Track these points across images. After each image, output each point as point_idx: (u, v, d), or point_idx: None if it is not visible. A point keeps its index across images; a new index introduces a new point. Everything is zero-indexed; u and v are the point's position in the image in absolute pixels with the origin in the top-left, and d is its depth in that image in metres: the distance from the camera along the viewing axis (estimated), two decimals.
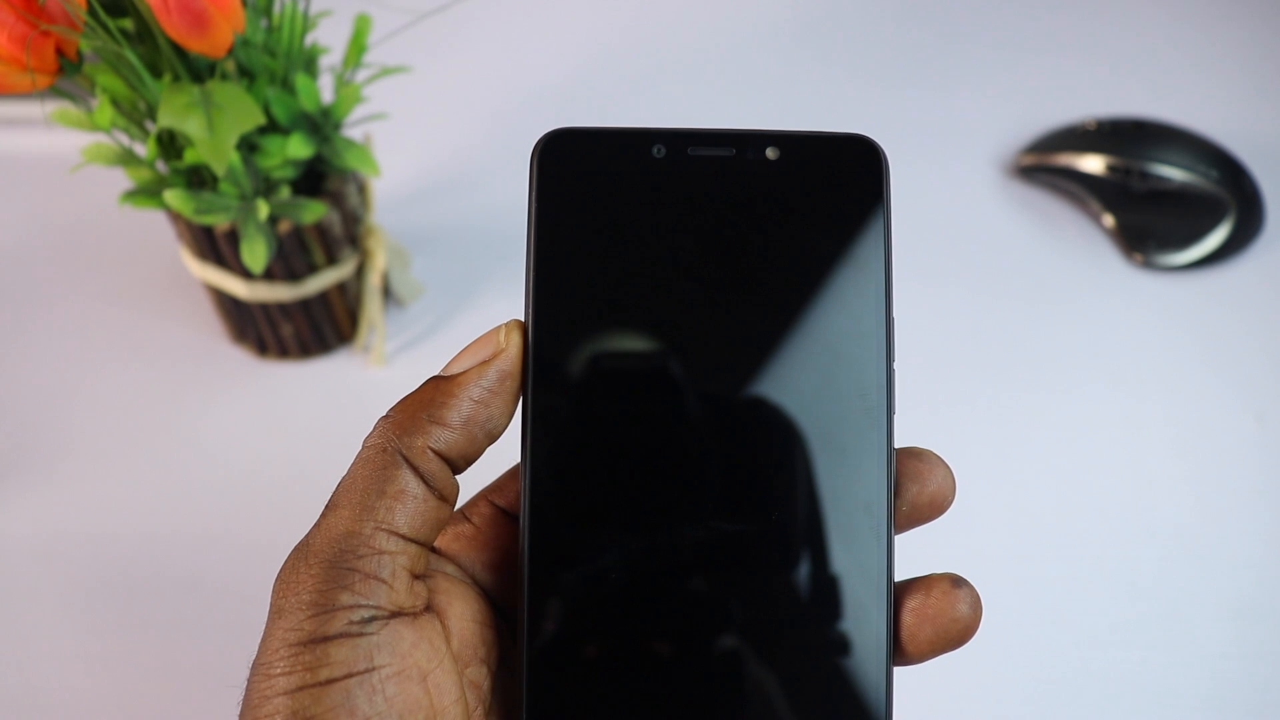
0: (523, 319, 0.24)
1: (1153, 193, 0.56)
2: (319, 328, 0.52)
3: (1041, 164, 0.58)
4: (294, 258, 0.48)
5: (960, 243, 0.57)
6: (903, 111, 0.63)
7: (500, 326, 0.24)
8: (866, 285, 0.24)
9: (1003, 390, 0.51)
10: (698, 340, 0.24)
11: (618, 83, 0.66)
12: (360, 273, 0.51)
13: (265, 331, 0.51)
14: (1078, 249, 0.57)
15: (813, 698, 0.23)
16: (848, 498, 0.23)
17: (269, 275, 0.48)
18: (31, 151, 0.62)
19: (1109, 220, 0.56)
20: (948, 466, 0.24)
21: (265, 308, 0.50)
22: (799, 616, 0.23)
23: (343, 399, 0.51)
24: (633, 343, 0.24)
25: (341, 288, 0.51)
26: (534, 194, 0.24)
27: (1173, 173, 0.55)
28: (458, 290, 0.55)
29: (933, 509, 0.24)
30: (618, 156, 0.24)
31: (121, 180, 0.58)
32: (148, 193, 0.44)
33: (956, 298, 0.55)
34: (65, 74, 0.39)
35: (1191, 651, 0.43)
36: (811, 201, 0.24)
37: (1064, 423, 0.50)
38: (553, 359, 0.24)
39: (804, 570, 0.23)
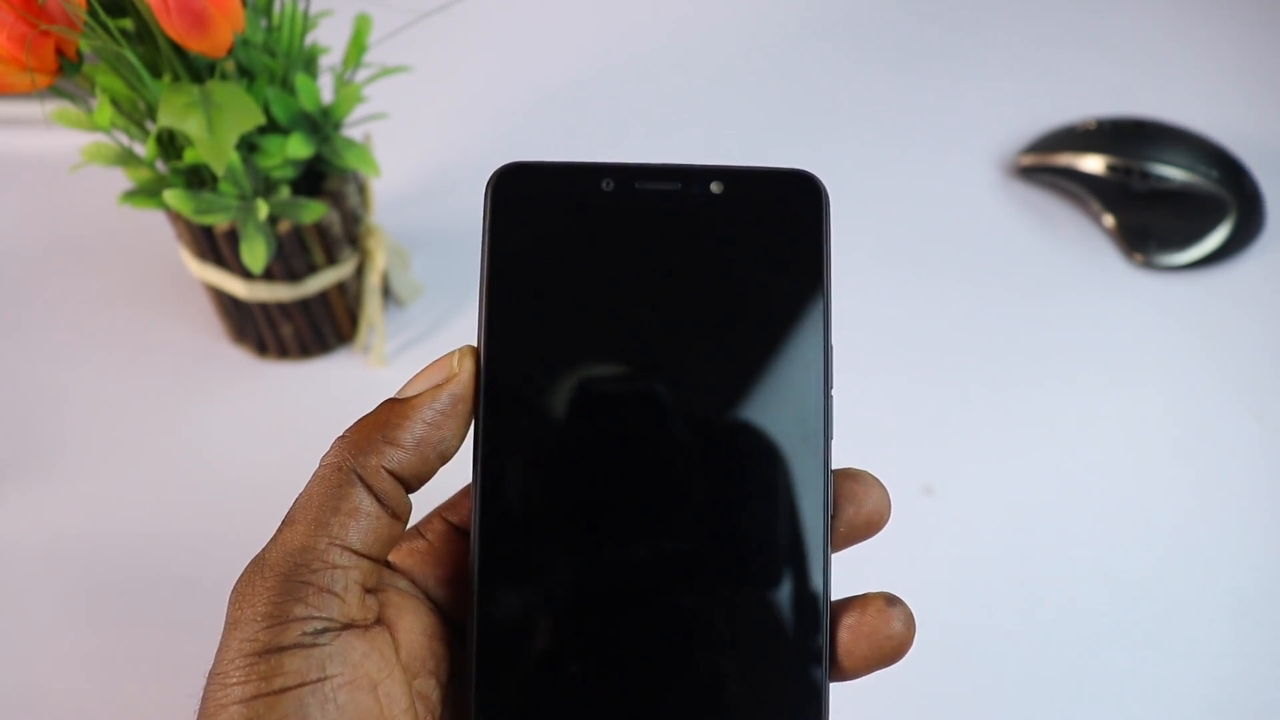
0: (475, 345, 0.25)
1: (1153, 193, 0.56)
2: (319, 328, 0.52)
3: (1041, 164, 0.58)
4: (294, 258, 0.48)
5: (960, 242, 0.57)
6: (902, 112, 0.63)
7: (454, 352, 0.25)
8: (805, 317, 0.25)
9: (1003, 390, 0.51)
10: (642, 368, 0.25)
11: (618, 82, 0.66)
12: (360, 273, 0.51)
13: (265, 331, 0.51)
14: (1078, 249, 0.57)
15: (753, 711, 0.24)
16: (787, 519, 0.24)
17: (269, 275, 0.48)
18: (31, 151, 0.62)
19: (1109, 220, 0.56)
20: (883, 487, 0.25)
21: (265, 308, 0.50)
22: (741, 634, 0.24)
23: (342, 399, 0.51)
24: (580, 370, 0.25)
25: (341, 288, 0.51)
26: (487, 225, 0.25)
27: (1173, 173, 0.55)
28: (458, 290, 0.55)
29: (869, 528, 0.26)
30: (568, 190, 0.25)
31: (121, 180, 0.58)
32: (147, 193, 0.44)
33: (957, 297, 0.55)
34: (65, 74, 0.39)
35: (1192, 651, 0.43)
36: (754, 235, 0.25)
37: (1064, 423, 0.50)
38: (503, 384, 0.25)
39: (746, 589, 0.24)
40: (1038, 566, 0.45)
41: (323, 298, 0.50)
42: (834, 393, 0.25)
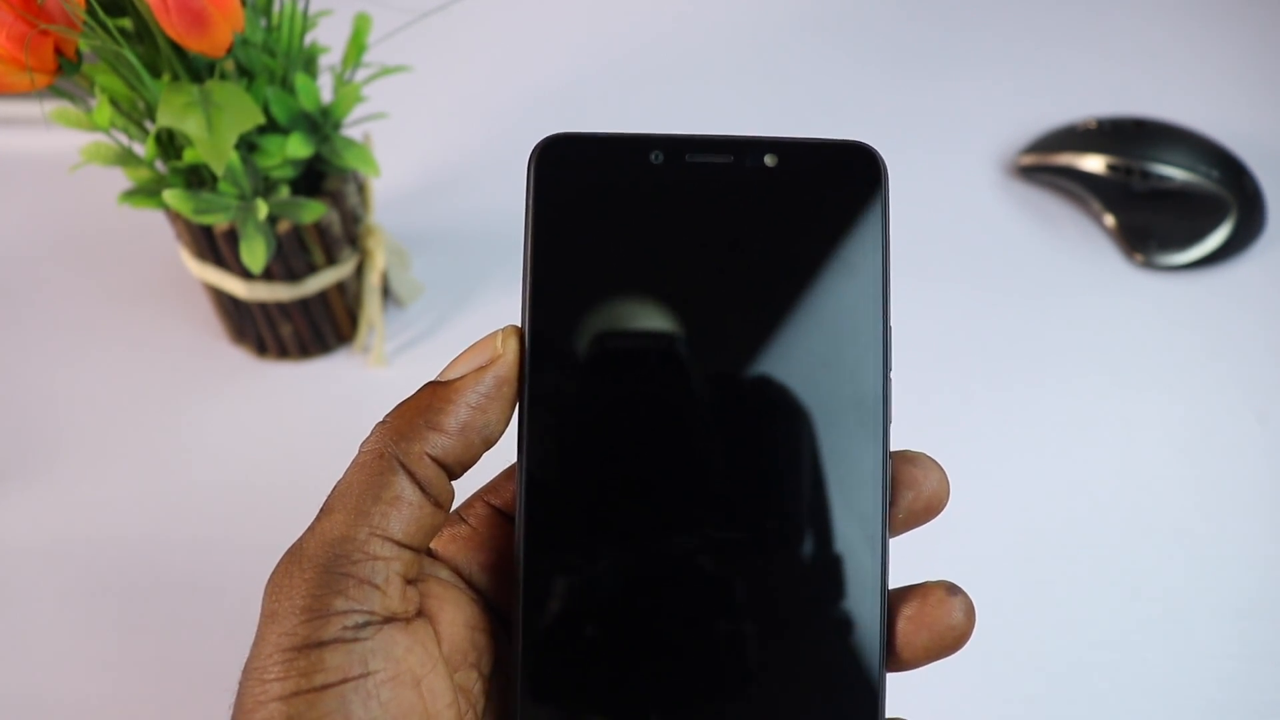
0: (519, 324, 0.24)
1: (1153, 192, 0.56)
2: (318, 328, 0.52)
3: (1042, 163, 0.58)
4: (293, 258, 0.48)
5: (960, 242, 0.57)
6: (903, 111, 0.63)
7: (497, 332, 0.24)
8: (865, 295, 0.24)
9: (1003, 390, 0.51)
10: (695, 347, 0.24)
11: (619, 81, 0.66)
12: (360, 273, 0.51)
13: (265, 331, 0.51)
14: (1078, 249, 0.57)
15: (808, 702, 0.23)
16: (845, 506, 0.24)
17: (268, 275, 0.48)
18: (31, 151, 0.62)
19: (1109, 220, 0.56)
20: (942, 470, 0.25)
21: (265, 308, 0.50)
22: (795, 622, 0.23)
23: (342, 399, 0.51)
24: (629, 348, 0.24)
25: (341, 288, 0.51)
26: (531, 199, 0.24)
27: (1174, 172, 0.55)
28: (458, 290, 0.55)
29: (928, 513, 0.25)
30: (615, 162, 0.24)
31: (121, 180, 0.58)
32: (147, 192, 0.44)
33: (957, 297, 0.54)
34: (64, 73, 0.39)
35: (1194, 652, 0.43)
36: (810, 209, 0.24)
37: (1065, 422, 0.50)
38: (549, 364, 0.24)
39: (801, 577, 0.23)
40: (1038, 566, 0.45)
41: (322, 298, 0.50)
42: (893, 374, 0.24)
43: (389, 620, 0.22)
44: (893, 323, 0.24)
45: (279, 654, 0.21)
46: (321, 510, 0.23)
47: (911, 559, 0.45)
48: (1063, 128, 0.60)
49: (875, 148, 0.24)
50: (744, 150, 0.24)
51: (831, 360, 0.24)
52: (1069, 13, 0.69)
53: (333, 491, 0.23)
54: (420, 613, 0.23)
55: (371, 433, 0.23)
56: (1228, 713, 0.41)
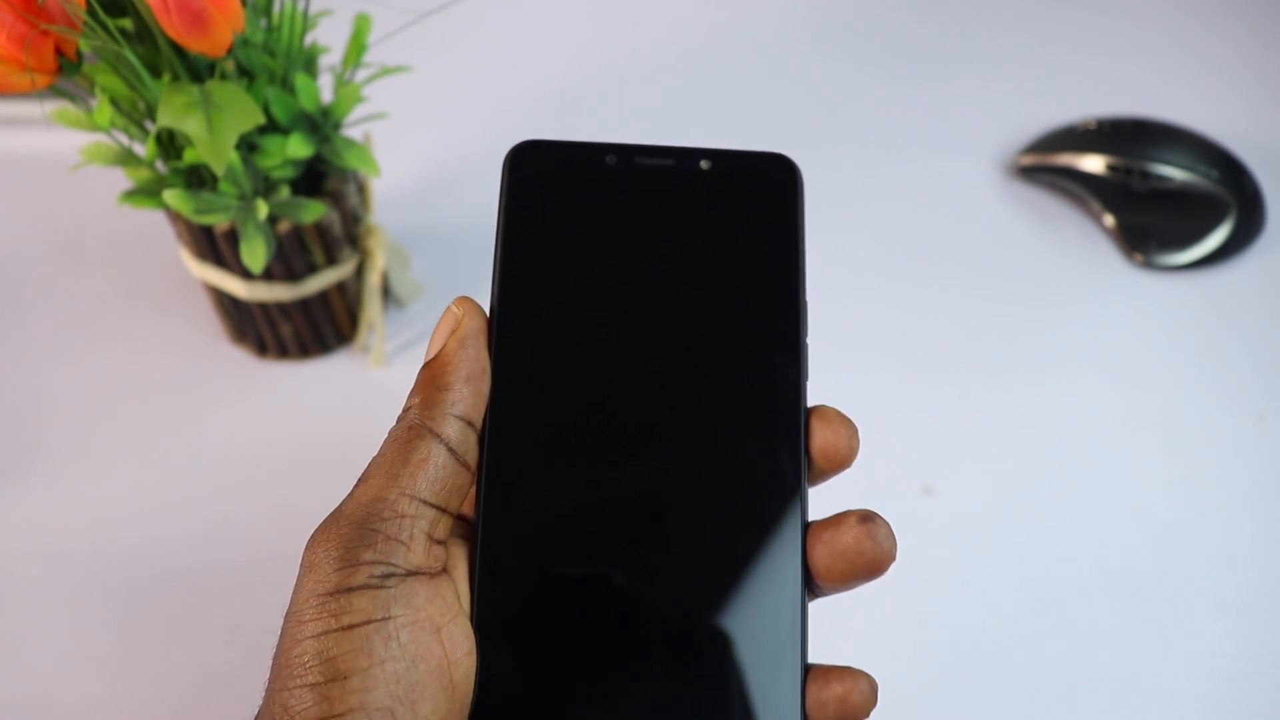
0: (476, 301, 0.28)
1: (1153, 192, 0.56)
2: (318, 328, 0.52)
3: (1042, 164, 0.58)
4: (293, 258, 0.48)
5: (960, 242, 0.57)
6: (902, 112, 0.63)
7: (448, 307, 0.27)
8: (782, 274, 0.28)
9: (1002, 389, 0.51)
10: (638, 318, 0.28)
11: (619, 81, 0.66)
12: (360, 273, 0.51)
13: (265, 331, 0.51)
14: (1078, 249, 0.57)
15: (733, 623, 0.26)
16: (767, 448, 0.27)
17: (268, 275, 0.48)
18: (31, 151, 0.62)
19: (1109, 220, 0.56)
20: (851, 425, 0.27)
21: (265, 308, 0.50)
22: (727, 549, 0.26)
23: (342, 399, 0.51)
24: (581, 318, 0.28)
25: (341, 288, 0.51)
26: (504, 195, 0.29)
27: (1173, 172, 0.55)
28: (457, 290, 0.55)
29: (837, 461, 0.27)
30: (576, 164, 0.29)
31: (121, 180, 0.58)
32: (147, 193, 0.44)
33: (956, 297, 0.55)
34: (65, 74, 0.39)
35: (1192, 651, 0.43)
36: (737, 205, 0.29)
37: (1064, 422, 0.50)
38: (513, 325, 0.28)
39: (731, 511, 0.26)
40: (1038, 566, 0.45)
41: (322, 298, 0.50)
42: (809, 340, 0.28)
43: (412, 574, 0.24)
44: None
45: (314, 599, 0.23)
46: (360, 478, 0.25)
47: (910, 559, 0.46)
48: (1063, 128, 0.60)
49: (792, 158, 0.29)
50: (683, 156, 0.29)
51: (755, 328, 0.27)
52: (1069, 13, 0.69)
53: (370, 463, 0.26)
54: (445, 570, 0.25)
55: (398, 418, 0.26)
56: (1227, 712, 0.41)
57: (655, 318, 0.27)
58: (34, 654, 0.43)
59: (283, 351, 0.52)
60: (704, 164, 0.29)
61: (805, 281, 0.28)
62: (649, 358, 0.27)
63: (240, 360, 0.53)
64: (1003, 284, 0.55)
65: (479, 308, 0.27)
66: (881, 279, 0.55)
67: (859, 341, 0.52)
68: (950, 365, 0.52)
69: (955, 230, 0.58)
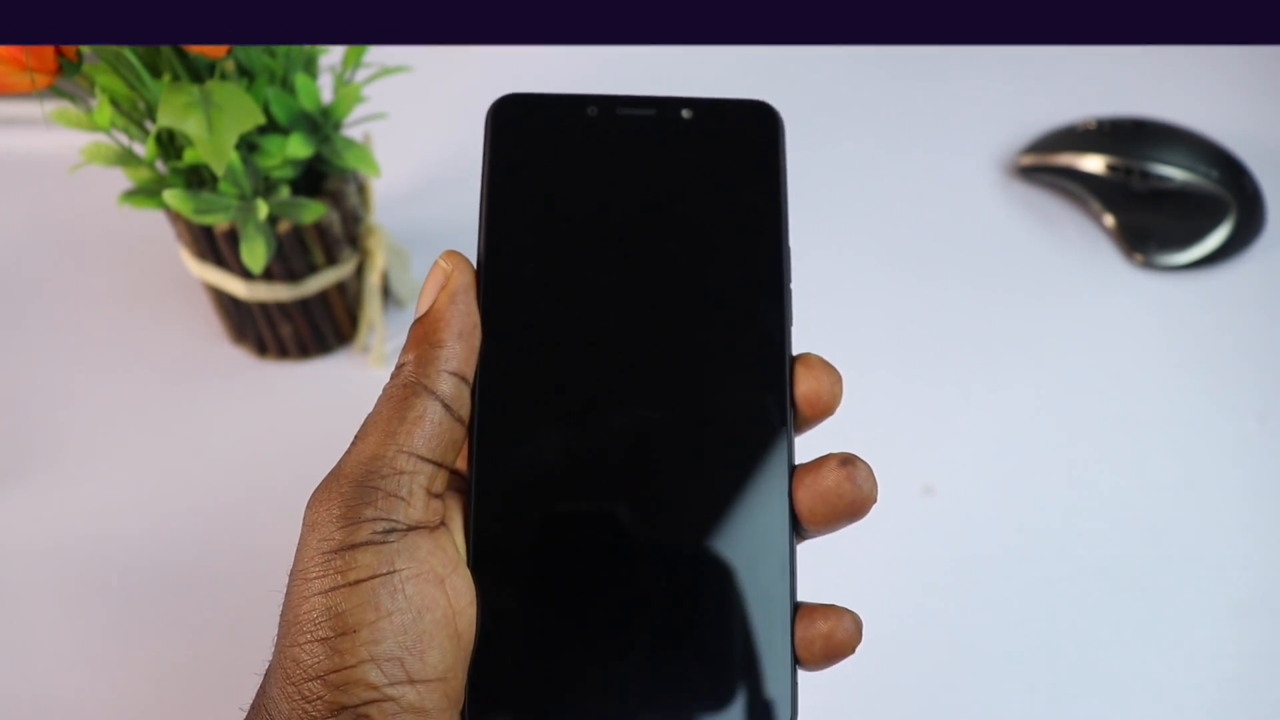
0: (463, 254, 0.28)
1: (1153, 192, 0.56)
2: (318, 328, 0.52)
3: (1042, 164, 0.58)
4: (293, 258, 0.48)
5: (960, 242, 0.57)
6: (902, 112, 0.63)
7: (438, 260, 0.27)
8: (765, 219, 0.28)
9: (1002, 389, 0.51)
10: (623, 265, 0.28)
11: (619, 81, 0.66)
12: (360, 273, 0.51)
13: (265, 332, 0.51)
14: (1078, 249, 0.57)
15: (724, 563, 0.26)
16: (753, 393, 0.27)
17: (268, 275, 0.48)
18: (31, 151, 0.62)
19: (1109, 220, 0.56)
20: (835, 373, 0.27)
21: (265, 308, 0.50)
22: (716, 491, 0.26)
23: (342, 399, 0.51)
24: (568, 266, 0.28)
25: (341, 288, 0.51)
26: (487, 149, 0.29)
27: (1173, 172, 0.55)
28: None
29: (815, 406, 0.27)
30: (559, 116, 0.29)
31: (121, 180, 0.58)
32: (147, 193, 0.44)
33: (956, 297, 0.55)
34: (65, 74, 0.39)
35: (1192, 651, 0.43)
36: (720, 153, 0.29)
37: (1064, 422, 0.50)
38: (501, 277, 0.28)
39: (719, 454, 0.27)
40: (1038, 566, 0.45)
41: (322, 298, 0.50)
42: (793, 285, 0.28)
43: (413, 529, 0.25)
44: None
45: (319, 556, 0.24)
46: (356, 436, 0.26)
47: (911, 558, 0.46)
48: (1063, 128, 0.60)
49: (774, 105, 0.29)
50: (664, 105, 0.29)
51: (739, 273, 0.28)
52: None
53: (366, 420, 0.26)
54: (444, 523, 0.26)
55: (392, 375, 0.26)
56: (1227, 712, 0.41)
57: (641, 266, 0.28)
58: (34, 653, 0.43)
59: (283, 351, 0.52)
60: (685, 113, 0.29)
61: (789, 227, 0.28)
62: (635, 306, 0.27)
63: (240, 360, 0.53)
64: (1003, 284, 0.55)
65: (468, 262, 0.28)
66: (881, 279, 0.55)
67: (859, 341, 0.52)
68: (950, 365, 0.52)
69: (955, 230, 0.58)
